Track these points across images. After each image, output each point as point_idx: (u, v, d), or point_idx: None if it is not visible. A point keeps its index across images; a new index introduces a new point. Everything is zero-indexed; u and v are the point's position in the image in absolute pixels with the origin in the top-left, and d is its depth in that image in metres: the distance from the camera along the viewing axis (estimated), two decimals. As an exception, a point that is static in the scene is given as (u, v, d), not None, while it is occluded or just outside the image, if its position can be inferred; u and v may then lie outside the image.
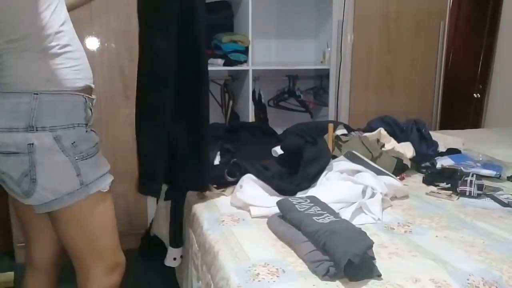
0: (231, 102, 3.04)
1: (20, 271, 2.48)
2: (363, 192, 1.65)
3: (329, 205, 1.58)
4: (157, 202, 2.36)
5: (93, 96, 1.38)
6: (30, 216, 1.42)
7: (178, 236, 1.88)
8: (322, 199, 1.61)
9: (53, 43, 1.24)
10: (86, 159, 1.29)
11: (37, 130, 1.21)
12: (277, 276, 1.20)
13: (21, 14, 1.19)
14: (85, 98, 1.31)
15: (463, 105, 3.71)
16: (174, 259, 1.89)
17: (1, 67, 1.23)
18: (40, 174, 1.23)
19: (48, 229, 1.43)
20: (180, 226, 1.88)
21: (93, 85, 1.37)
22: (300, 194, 1.70)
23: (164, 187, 1.88)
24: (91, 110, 1.35)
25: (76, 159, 1.27)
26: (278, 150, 1.97)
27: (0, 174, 1.28)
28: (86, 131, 1.31)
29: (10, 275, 2.40)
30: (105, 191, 1.35)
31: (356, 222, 1.53)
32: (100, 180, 1.34)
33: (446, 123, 3.33)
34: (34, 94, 1.22)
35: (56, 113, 1.24)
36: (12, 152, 1.22)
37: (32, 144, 1.21)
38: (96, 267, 1.40)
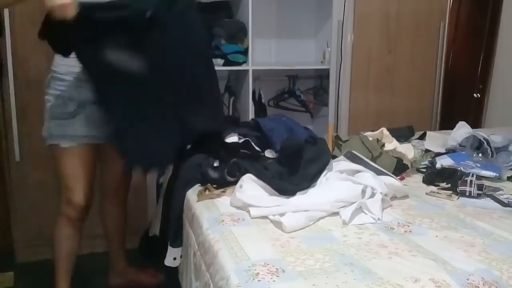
0: (231, 100, 3.05)
1: (20, 271, 2.49)
2: (363, 192, 1.65)
3: (329, 204, 1.59)
4: (157, 202, 2.36)
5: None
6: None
7: (177, 236, 1.88)
8: (322, 199, 1.61)
9: None
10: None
11: None
12: (277, 276, 1.20)
13: None
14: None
15: (463, 105, 3.71)
16: (174, 259, 1.89)
17: None
18: None
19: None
20: (179, 226, 1.89)
21: None
22: (300, 194, 1.70)
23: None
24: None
25: None
26: (270, 152, 1.98)
27: None
28: None
29: (10, 275, 2.40)
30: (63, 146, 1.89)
31: (356, 222, 1.54)
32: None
33: (446, 123, 3.33)
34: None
35: None
36: None
37: None
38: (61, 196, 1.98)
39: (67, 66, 1.84)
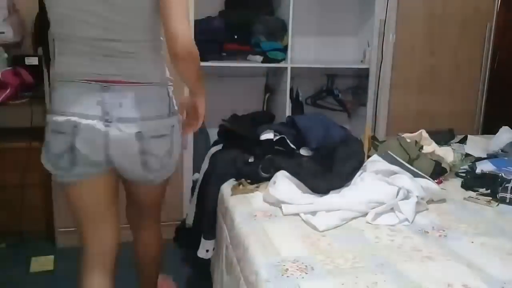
0: (267, 96, 3.08)
1: (59, 255, 2.59)
2: (398, 193, 1.63)
3: (362, 205, 1.58)
4: (191, 195, 2.40)
5: None
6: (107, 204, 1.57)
7: (210, 229, 1.91)
8: (355, 199, 1.60)
9: (163, 47, 1.45)
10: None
11: (173, 115, 1.48)
12: (306, 273, 1.20)
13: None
14: None
15: (509, 109, 3.58)
16: (207, 251, 1.93)
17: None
18: (175, 149, 1.49)
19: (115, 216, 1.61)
20: (213, 219, 1.91)
21: None
22: (333, 193, 1.69)
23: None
24: None
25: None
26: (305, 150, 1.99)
27: (147, 156, 1.44)
28: None
29: (50, 258, 2.51)
30: None
31: (379, 221, 1.53)
32: None
33: (492, 127, 3.22)
34: (169, 86, 1.49)
35: (175, 101, 1.52)
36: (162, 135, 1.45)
37: (173, 126, 1.47)
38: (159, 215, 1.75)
39: None
